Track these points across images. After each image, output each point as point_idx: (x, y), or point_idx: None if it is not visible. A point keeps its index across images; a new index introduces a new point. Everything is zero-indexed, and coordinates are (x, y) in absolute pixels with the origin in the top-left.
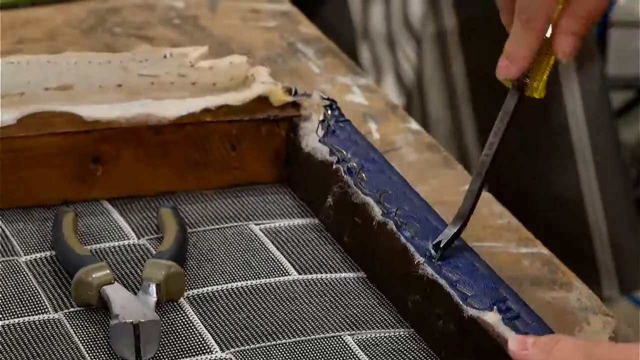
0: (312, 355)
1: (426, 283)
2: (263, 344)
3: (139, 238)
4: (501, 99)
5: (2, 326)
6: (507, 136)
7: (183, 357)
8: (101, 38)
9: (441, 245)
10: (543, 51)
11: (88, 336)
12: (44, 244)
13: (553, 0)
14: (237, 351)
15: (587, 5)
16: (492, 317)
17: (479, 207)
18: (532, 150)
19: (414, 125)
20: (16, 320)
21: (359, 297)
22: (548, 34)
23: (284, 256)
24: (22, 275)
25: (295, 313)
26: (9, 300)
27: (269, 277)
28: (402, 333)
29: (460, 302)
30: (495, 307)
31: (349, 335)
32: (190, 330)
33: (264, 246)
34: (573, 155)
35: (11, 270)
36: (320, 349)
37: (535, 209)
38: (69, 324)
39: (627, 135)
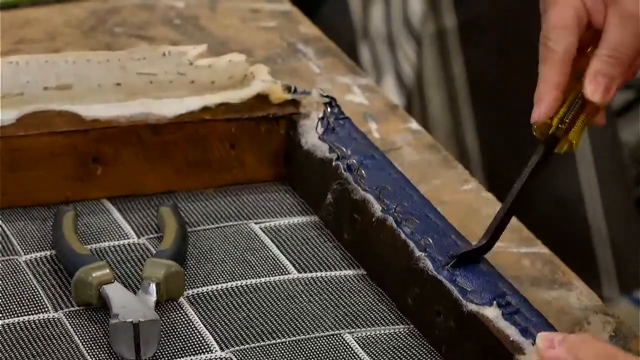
0: (311, 354)
1: (426, 279)
2: (262, 343)
3: (139, 237)
4: (501, 99)
5: (2, 325)
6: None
7: (183, 356)
8: (101, 38)
9: (453, 254)
10: (579, 103)
11: (88, 335)
12: (44, 243)
13: (573, 29)
14: (237, 350)
15: (614, 43)
16: (491, 312)
17: (480, 206)
18: (532, 150)
19: (414, 125)
20: (16, 319)
21: (358, 295)
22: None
23: (284, 255)
24: (22, 275)
25: (295, 312)
26: (9, 300)
27: (269, 276)
28: (402, 330)
29: (460, 298)
30: (494, 302)
31: (348, 333)
32: (190, 330)
33: (263, 245)
34: (573, 155)
35: (11, 269)
36: (320, 348)
37: (535, 209)
38: (69, 323)
39: (627, 135)
